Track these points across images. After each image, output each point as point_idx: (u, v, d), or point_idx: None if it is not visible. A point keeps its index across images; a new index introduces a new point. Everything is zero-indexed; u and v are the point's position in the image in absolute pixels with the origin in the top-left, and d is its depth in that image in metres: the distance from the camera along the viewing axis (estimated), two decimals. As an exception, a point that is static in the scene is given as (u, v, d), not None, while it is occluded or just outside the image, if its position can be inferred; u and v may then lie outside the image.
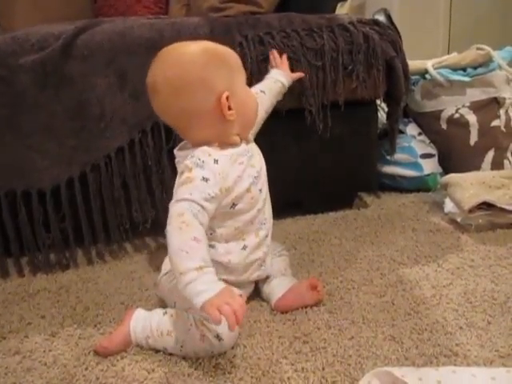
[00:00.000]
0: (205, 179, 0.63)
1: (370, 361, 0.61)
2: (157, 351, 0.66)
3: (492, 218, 0.98)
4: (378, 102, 1.14)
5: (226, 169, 0.66)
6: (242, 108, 0.67)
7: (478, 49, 1.25)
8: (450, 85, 1.24)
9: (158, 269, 0.77)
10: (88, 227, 0.94)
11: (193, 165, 0.64)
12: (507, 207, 0.97)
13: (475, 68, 1.24)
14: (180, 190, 0.63)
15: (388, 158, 1.24)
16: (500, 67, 1.23)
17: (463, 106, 1.24)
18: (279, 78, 0.89)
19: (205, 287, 0.56)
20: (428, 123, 1.29)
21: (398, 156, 1.22)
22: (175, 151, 0.71)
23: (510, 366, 0.58)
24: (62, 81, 0.88)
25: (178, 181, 0.66)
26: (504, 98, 1.23)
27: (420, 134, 1.28)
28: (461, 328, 0.67)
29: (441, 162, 1.26)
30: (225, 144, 0.68)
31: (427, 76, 1.28)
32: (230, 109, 0.65)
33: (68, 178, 0.91)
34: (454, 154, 1.26)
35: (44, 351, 0.68)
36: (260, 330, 0.69)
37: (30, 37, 0.88)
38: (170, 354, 0.65)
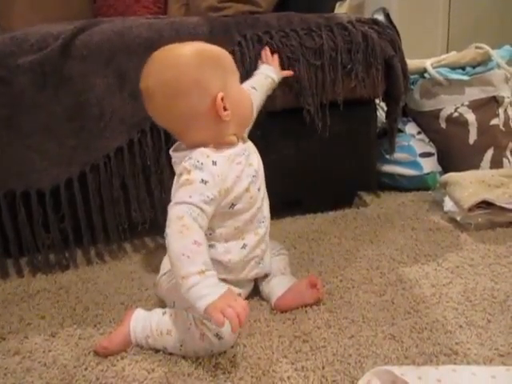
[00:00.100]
0: (204, 181, 0.63)
1: (369, 360, 0.61)
2: (157, 351, 0.66)
3: (491, 216, 0.98)
4: (377, 101, 1.14)
5: (224, 170, 0.66)
6: (237, 107, 0.67)
7: (476, 48, 1.25)
8: (449, 84, 1.24)
9: (157, 269, 0.77)
10: (87, 227, 0.94)
11: (192, 167, 0.64)
12: (506, 206, 0.97)
13: (474, 67, 1.24)
14: (179, 193, 0.63)
15: (387, 157, 1.24)
16: (499, 66, 1.23)
17: (462, 105, 1.24)
18: (270, 73, 0.89)
19: (207, 291, 0.57)
20: (427, 122, 1.29)
21: (398, 155, 1.22)
22: (171, 152, 0.70)
23: (510, 365, 0.58)
24: (61, 81, 0.88)
25: (176, 182, 0.66)
26: (503, 97, 1.23)
27: (419, 132, 1.28)
28: (461, 327, 0.67)
29: (440, 161, 1.26)
30: (221, 144, 0.68)
31: (426, 75, 1.28)
32: (225, 109, 0.65)
33: (67, 178, 0.91)
34: (454, 152, 1.26)
35: (44, 351, 0.68)
36: (260, 329, 0.69)
37: (28, 37, 0.88)
38: (170, 354, 0.65)
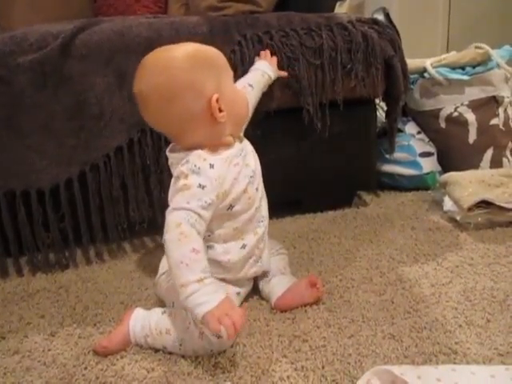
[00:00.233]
0: (201, 186, 0.63)
1: (369, 359, 0.61)
2: (156, 350, 0.66)
3: (491, 216, 0.98)
4: (377, 100, 1.14)
5: (222, 173, 0.65)
6: (232, 107, 0.67)
7: (476, 47, 1.25)
8: (449, 83, 1.24)
9: (156, 268, 0.77)
10: (87, 227, 0.94)
11: (189, 171, 0.63)
12: (506, 205, 0.97)
13: (474, 67, 1.24)
14: (176, 198, 0.63)
15: (387, 156, 1.24)
16: (498, 66, 1.23)
17: (462, 105, 1.24)
18: (266, 70, 0.89)
19: (205, 299, 0.58)
20: (427, 122, 1.29)
21: (397, 155, 1.23)
22: (167, 152, 0.70)
23: (509, 364, 0.58)
24: (61, 80, 0.88)
25: (173, 185, 0.66)
26: (503, 97, 1.23)
27: (419, 132, 1.28)
28: (460, 326, 0.67)
29: (440, 161, 1.26)
30: (218, 146, 0.68)
31: (426, 75, 1.28)
32: (220, 111, 0.65)
33: (67, 178, 0.91)
34: (453, 152, 1.26)
35: (43, 351, 0.68)
36: (259, 328, 0.69)
37: (28, 36, 0.88)
38: (170, 353, 0.65)
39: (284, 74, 0.95)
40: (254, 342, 0.66)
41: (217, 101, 0.64)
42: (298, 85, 0.98)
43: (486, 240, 0.94)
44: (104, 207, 0.93)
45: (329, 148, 1.08)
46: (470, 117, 1.23)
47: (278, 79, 0.96)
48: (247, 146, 0.73)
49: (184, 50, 0.65)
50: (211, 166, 0.64)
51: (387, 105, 1.15)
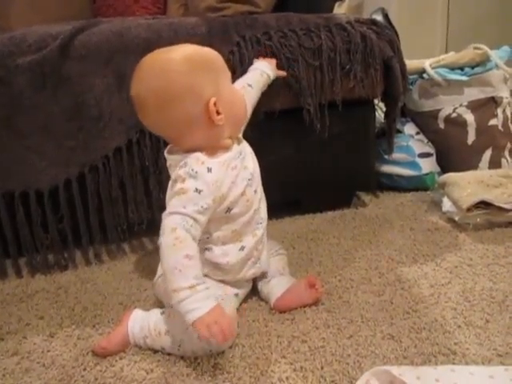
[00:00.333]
0: (198, 191, 0.63)
1: (368, 360, 0.61)
2: (155, 351, 0.66)
3: (490, 216, 0.98)
4: (376, 101, 1.14)
5: (220, 177, 0.65)
6: (230, 109, 0.66)
7: (475, 48, 1.26)
8: (448, 84, 1.24)
9: (155, 269, 0.77)
10: (86, 228, 0.94)
11: (186, 175, 0.63)
12: (505, 206, 0.97)
13: (473, 67, 1.24)
14: (173, 202, 0.63)
15: (386, 157, 1.24)
16: (497, 66, 1.23)
17: (461, 106, 1.24)
18: (265, 69, 0.89)
19: (196, 305, 0.58)
20: (426, 122, 1.30)
21: (396, 155, 1.23)
22: (165, 154, 0.70)
23: (508, 365, 0.58)
24: (60, 81, 0.88)
25: (170, 188, 0.66)
26: (501, 98, 1.24)
27: (418, 133, 1.28)
28: (459, 327, 0.67)
29: (439, 161, 1.26)
30: (217, 148, 0.68)
31: (425, 75, 1.28)
32: (218, 114, 0.64)
33: (66, 179, 0.91)
34: (452, 153, 1.26)
35: (42, 352, 0.68)
36: (259, 329, 0.69)
37: (27, 37, 0.88)
38: (169, 354, 0.65)
39: (283, 73, 0.95)
40: (253, 343, 0.66)
41: (214, 104, 0.64)
42: (298, 85, 0.98)
43: (484, 240, 0.94)
44: (103, 208, 0.93)
45: (328, 148, 1.08)
46: (469, 117, 1.23)
47: (277, 79, 0.96)
48: (246, 147, 0.73)
49: (182, 53, 0.65)
50: (209, 169, 0.64)
51: (386, 105, 1.15)
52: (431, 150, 1.26)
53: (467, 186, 1.03)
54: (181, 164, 0.65)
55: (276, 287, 0.75)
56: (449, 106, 1.25)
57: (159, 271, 0.74)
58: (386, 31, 1.05)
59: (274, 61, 0.93)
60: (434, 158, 1.26)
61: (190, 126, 0.65)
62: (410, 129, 1.29)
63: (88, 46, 0.89)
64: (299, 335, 0.67)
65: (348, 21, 1.03)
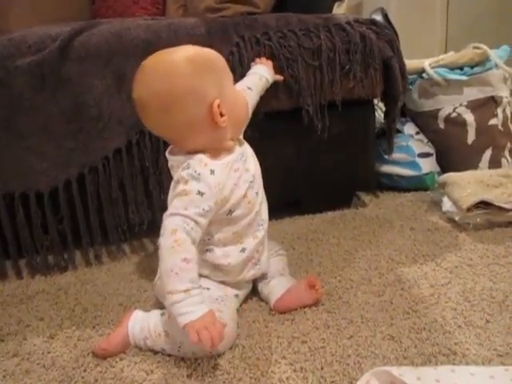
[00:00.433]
0: (200, 193, 0.63)
1: (368, 360, 0.61)
2: (155, 352, 0.66)
3: (490, 216, 0.98)
4: (376, 101, 1.14)
5: (222, 179, 0.65)
6: (232, 110, 0.66)
7: (474, 48, 1.26)
8: (448, 84, 1.24)
9: (155, 270, 0.77)
10: (86, 229, 0.94)
11: (189, 177, 0.63)
12: (505, 206, 0.97)
13: (472, 67, 1.24)
14: (174, 203, 0.63)
15: (386, 157, 1.24)
16: (497, 66, 1.23)
17: (460, 105, 1.24)
18: (264, 73, 0.89)
19: (189, 309, 0.58)
20: (426, 122, 1.30)
21: (396, 155, 1.23)
22: (167, 154, 0.70)
23: (509, 365, 0.58)
24: (60, 82, 0.88)
25: (172, 189, 0.66)
26: (501, 97, 1.24)
27: (418, 133, 1.28)
28: (459, 327, 0.67)
29: (438, 161, 1.26)
30: (219, 150, 0.68)
31: (424, 75, 1.28)
32: (221, 115, 0.64)
33: (66, 180, 0.91)
34: (452, 153, 1.26)
35: (42, 353, 0.68)
36: (259, 330, 0.69)
37: (26, 39, 0.88)
38: (169, 355, 0.65)
39: (280, 77, 0.95)
40: (253, 344, 0.66)
41: (218, 106, 0.64)
42: (297, 86, 0.98)
43: (485, 240, 0.94)
44: (103, 209, 0.93)
45: (327, 149, 1.08)
46: (469, 117, 1.23)
47: (278, 81, 0.96)
48: (247, 149, 0.73)
49: (184, 54, 0.64)
50: (212, 171, 0.64)
51: (386, 105, 1.15)
52: (431, 150, 1.26)
53: (467, 185, 1.03)
54: (183, 165, 0.65)
55: (276, 288, 0.75)
56: (448, 105, 1.25)
57: (159, 272, 0.74)
58: (385, 31, 1.05)
59: (271, 63, 0.93)
60: (433, 158, 1.26)
61: (193, 128, 0.65)
62: (409, 129, 1.29)
63: (87, 47, 0.89)
64: (299, 336, 0.67)
65: (347, 21, 1.03)
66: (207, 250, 0.69)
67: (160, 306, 0.75)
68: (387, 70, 1.05)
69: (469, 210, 0.98)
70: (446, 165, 1.25)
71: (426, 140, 1.28)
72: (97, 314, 0.77)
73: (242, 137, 0.75)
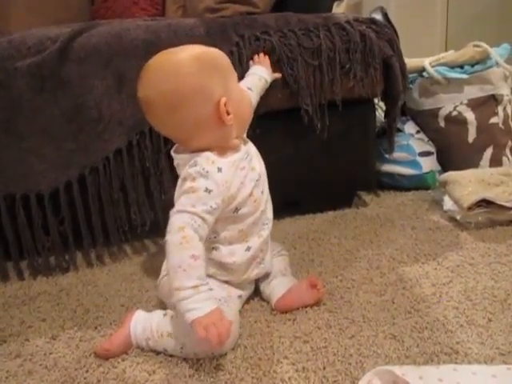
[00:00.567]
0: (208, 190, 0.63)
1: (370, 360, 0.61)
2: (157, 353, 0.66)
3: (491, 215, 0.98)
4: (376, 100, 1.14)
5: (229, 177, 0.65)
6: (238, 108, 0.67)
7: (475, 46, 1.25)
8: (448, 82, 1.24)
9: (157, 270, 0.77)
10: (87, 230, 0.94)
11: (197, 174, 0.63)
12: (506, 204, 0.97)
13: (472, 65, 1.24)
14: (182, 200, 0.63)
15: (386, 156, 1.24)
16: (497, 64, 1.23)
17: (461, 104, 1.24)
18: (263, 74, 0.90)
19: (197, 305, 0.59)
20: (426, 121, 1.29)
21: (397, 154, 1.22)
22: (172, 153, 0.70)
23: (511, 364, 0.58)
24: (59, 84, 0.88)
25: (179, 187, 0.66)
26: (502, 95, 1.23)
27: (418, 132, 1.28)
28: (461, 326, 0.67)
29: (439, 160, 1.26)
30: (225, 148, 0.68)
31: (425, 74, 1.28)
32: (228, 113, 0.65)
33: (66, 181, 0.91)
34: (453, 151, 1.26)
35: (45, 354, 0.68)
36: (260, 330, 0.69)
37: (26, 40, 0.88)
38: (171, 356, 0.65)
39: (278, 75, 0.95)
40: (254, 344, 0.66)
41: (225, 104, 0.64)
42: (296, 85, 0.98)
43: (486, 239, 0.93)
44: (104, 210, 0.93)
45: (328, 148, 1.08)
46: (470, 116, 1.23)
47: (277, 80, 0.96)
48: (251, 148, 0.73)
49: (189, 53, 0.64)
50: (219, 169, 0.64)
51: (386, 104, 1.15)
52: (432, 149, 1.26)
53: (468, 184, 1.03)
54: (190, 163, 0.65)
55: (277, 287, 0.75)
56: (449, 104, 1.25)
57: (163, 271, 0.74)
58: (385, 30, 1.05)
59: (268, 62, 0.93)
60: (434, 157, 1.26)
61: (200, 127, 0.65)
62: (410, 128, 1.29)
63: (87, 49, 0.89)
64: (301, 335, 0.67)
65: (347, 20, 1.03)
66: (213, 249, 0.69)
67: (162, 306, 0.75)
68: (387, 69, 1.04)
69: (470, 208, 0.98)
70: (446, 163, 1.25)
71: (426, 139, 1.27)
72: (98, 314, 0.77)
73: (245, 136, 0.75)
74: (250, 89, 0.84)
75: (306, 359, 0.62)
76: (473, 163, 1.22)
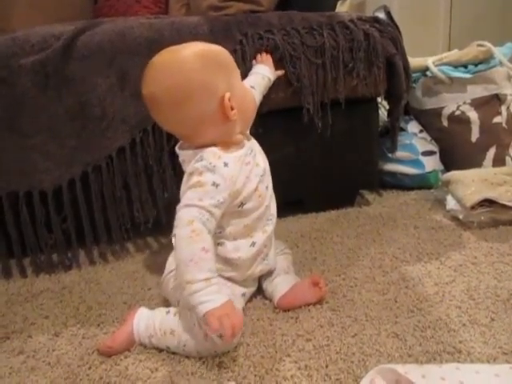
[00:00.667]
0: (215, 184, 0.63)
1: (373, 358, 0.61)
2: (160, 350, 0.66)
3: (494, 214, 0.98)
4: (379, 99, 1.14)
5: (235, 172, 0.66)
6: (241, 104, 0.67)
7: (478, 45, 1.25)
8: (451, 82, 1.23)
9: (159, 268, 0.78)
10: (90, 227, 0.94)
11: (203, 168, 0.64)
12: (509, 204, 0.97)
13: (476, 65, 1.24)
14: (189, 194, 0.63)
15: (389, 155, 1.24)
16: (501, 63, 1.23)
17: (464, 103, 1.23)
18: (266, 73, 0.90)
19: (210, 298, 0.59)
20: (429, 120, 1.29)
21: (400, 154, 1.22)
22: (177, 150, 0.70)
23: (514, 363, 0.58)
24: (63, 81, 0.88)
25: (185, 182, 0.66)
26: (505, 95, 1.23)
27: (421, 131, 1.28)
28: (464, 325, 0.67)
29: (442, 160, 1.26)
30: (229, 144, 0.68)
31: (428, 73, 1.27)
32: (232, 109, 0.65)
33: (69, 179, 0.91)
34: (456, 151, 1.26)
35: (48, 351, 0.68)
36: (263, 328, 0.69)
37: (30, 38, 0.89)
38: (174, 353, 0.65)
39: (281, 72, 0.95)
40: (257, 342, 0.66)
41: (229, 99, 0.64)
42: (299, 84, 0.98)
43: (489, 239, 0.93)
44: (107, 208, 0.93)
45: (331, 147, 1.07)
46: (473, 115, 1.23)
47: (280, 78, 0.96)
48: (255, 144, 0.74)
49: (193, 50, 0.65)
50: (225, 164, 0.65)
51: (389, 104, 1.14)
52: (435, 148, 1.26)
53: (471, 184, 1.02)
54: (197, 158, 0.65)
55: (280, 285, 0.75)
56: (452, 103, 1.24)
57: (168, 268, 0.74)
58: (388, 29, 1.05)
59: (270, 60, 0.93)
60: (437, 156, 1.25)
61: (204, 123, 0.65)
62: (413, 127, 1.28)
63: (90, 46, 0.89)
64: (304, 334, 0.67)
65: (351, 19, 1.03)
66: (218, 244, 0.69)
67: (165, 304, 0.75)
68: (391, 68, 1.04)
69: (473, 208, 0.98)
70: (449, 163, 1.24)
71: (429, 138, 1.27)
72: (101, 312, 0.77)
73: (248, 132, 0.76)
74: (252, 87, 0.84)
75: (309, 357, 0.62)
76: (476, 163, 1.21)
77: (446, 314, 0.70)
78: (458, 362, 0.59)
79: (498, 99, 1.23)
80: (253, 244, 0.71)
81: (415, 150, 1.24)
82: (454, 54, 1.26)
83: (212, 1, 1.15)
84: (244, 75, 0.89)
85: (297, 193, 1.11)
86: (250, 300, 0.77)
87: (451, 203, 1.05)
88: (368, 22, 1.04)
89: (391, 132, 1.16)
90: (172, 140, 0.91)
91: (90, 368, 0.64)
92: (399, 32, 1.09)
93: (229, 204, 0.66)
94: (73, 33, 0.89)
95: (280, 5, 1.19)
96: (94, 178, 0.92)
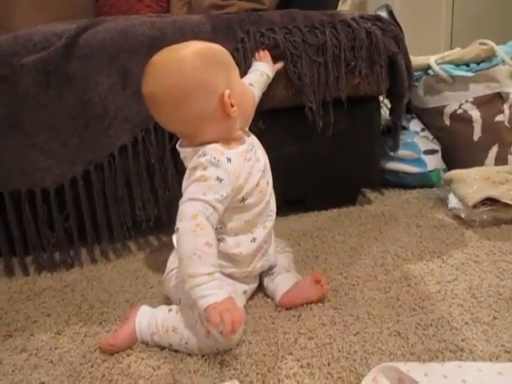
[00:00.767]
0: (219, 179, 0.63)
1: (375, 356, 0.61)
2: (162, 348, 0.66)
3: (496, 213, 0.98)
4: (381, 98, 1.13)
5: (238, 167, 0.66)
6: (241, 101, 0.67)
7: (481, 44, 1.25)
8: (453, 80, 1.23)
9: (161, 266, 0.78)
10: (92, 226, 0.94)
11: (208, 163, 0.64)
12: (511, 202, 0.97)
13: (478, 63, 1.23)
14: (193, 188, 0.63)
15: (391, 154, 1.24)
16: (503, 62, 1.23)
17: (466, 102, 1.23)
18: (265, 70, 0.90)
19: (212, 292, 0.59)
20: (431, 119, 1.29)
21: (402, 152, 1.22)
22: (178, 147, 0.71)
23: (516, 361, 0.58)
24: (65, 80, 0.88)
25: (188, 177, 0.66)
26: (508, 93, 1.23)
27: (423, 129, 1.28)
28: (466, 323, 0.67)
29: (444, 158, 1.26)
30: (229, 140, 0.68)
31: (430, 72, 1.27)
32: (232, 106, 0.65)
33: (71, 177, 0.92)
34: (458, 149, 1.26)
35: (50, 349, 0.69)
36: (265, 326, 0.69)
37: (32, 36, 0.89)
38: (176, 351, 0.65)
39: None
40: (259, 340, 0.66)
41: (229, 96, 0.64)
42: (300, 82, 0.98)
43: (491, 237, 0.93)
44: (109, 206, 0.94)
45: (333, 146, 1.07)
46: (475, 114, 1.23)
47: (281, 77, 0.96)
48: (254, 140, 0.74)
49: (192, 49, 0.65)
50: (229, 159, 0.65)
51: (391, 102, 1.14)
52: (437, 147, 1.25)
53: (473, 182, 1.02)
54: (199, 153, 0.65)
55: (282, 283, 0.75)
56: (454, 102, 1.24)
57: (170, 266, 0.74)
58: (390, 27, 1.04)
59: (269, 56, 0.93)
60: (439, 155, 1.25)
61: (205, 121, 0.65)
62: (415, 125, 1.28)
63: (92, 45, 0.89)
64: (306, 332, 0.67)
65: (353, 17, 1.03)
66: (219, 240, 0.69)
67: (167, 302, 0.75)
68: (393, 67, 1.04)
69: (475, 206, 0.97)
70: (451, 162, 1.24)
71: (431, 137, 1.27)
72: (103, 310, 0.78)
73: (247, 129, 0.76)
74: (251, 85, 0.84)
75: (311, 355, 0.62)
76: (478, 161, 1.21)
77: (448, 312, 0.70)
78: (461, 360, 0.59)
79: (500, 98, 1.23)
80: (253, 240, 0.71)
81: (417, 148, 1.24)
82: (456, 53, 1.26)
83: (214, -1, 1.15)
84: (245, 73, 0.89)
85: (298, 191, 1.11)
86: (251, 298, 0.77)
87: (453, 202, 1.05)
88: (370, 21, 1.04)
89: (393, 130, 1.16)
90: (174, 138, 0.91)
91: (92, 366, 0.64)
92: (401, 30, 1.09)
93: (231, 199, 0.66)
94: (75, 31, 0.89)
95: (282, 3, 1.19)
96: (96, 176, 0.92)
